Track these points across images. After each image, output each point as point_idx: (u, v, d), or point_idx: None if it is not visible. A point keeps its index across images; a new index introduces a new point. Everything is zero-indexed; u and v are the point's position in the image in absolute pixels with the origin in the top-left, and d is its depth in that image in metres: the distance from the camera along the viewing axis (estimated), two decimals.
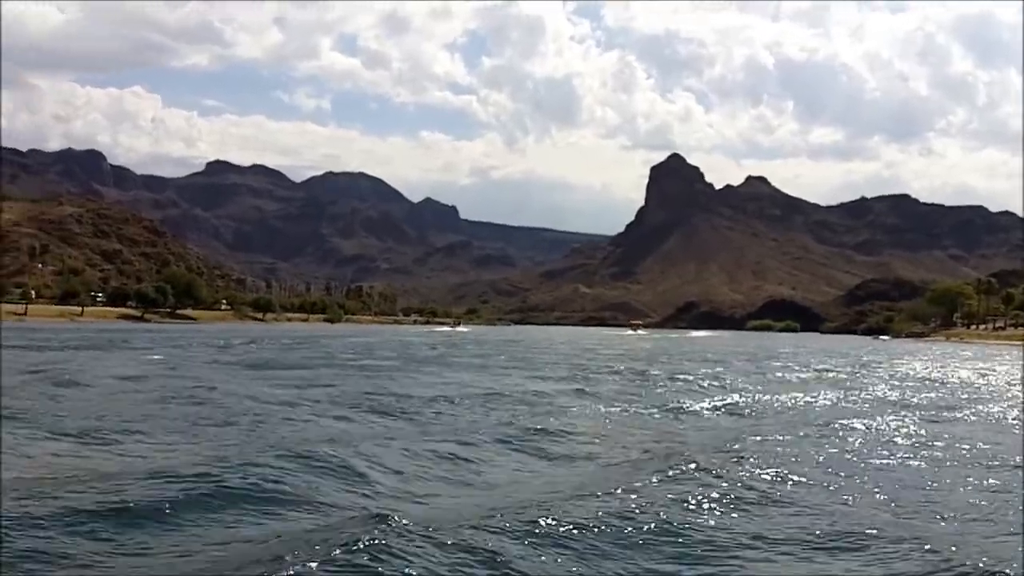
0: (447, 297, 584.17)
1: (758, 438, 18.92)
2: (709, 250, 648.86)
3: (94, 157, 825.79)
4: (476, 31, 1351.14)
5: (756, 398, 29.80)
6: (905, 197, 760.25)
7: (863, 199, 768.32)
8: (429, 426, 20.44)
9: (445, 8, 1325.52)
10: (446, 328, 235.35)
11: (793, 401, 28.92)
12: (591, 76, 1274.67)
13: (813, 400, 29.66)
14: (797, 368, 54.41)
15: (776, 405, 27.57)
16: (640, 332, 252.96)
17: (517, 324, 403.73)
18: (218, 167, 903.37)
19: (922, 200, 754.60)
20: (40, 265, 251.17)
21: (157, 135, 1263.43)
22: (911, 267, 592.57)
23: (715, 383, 36.57)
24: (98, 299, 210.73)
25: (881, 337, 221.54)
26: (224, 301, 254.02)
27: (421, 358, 57.22)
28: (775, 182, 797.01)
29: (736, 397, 29.83)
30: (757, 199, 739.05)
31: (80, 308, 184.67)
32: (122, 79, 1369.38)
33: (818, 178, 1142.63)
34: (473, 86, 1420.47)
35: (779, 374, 46.87)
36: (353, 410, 23.31)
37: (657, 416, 23.63)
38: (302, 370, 41.40)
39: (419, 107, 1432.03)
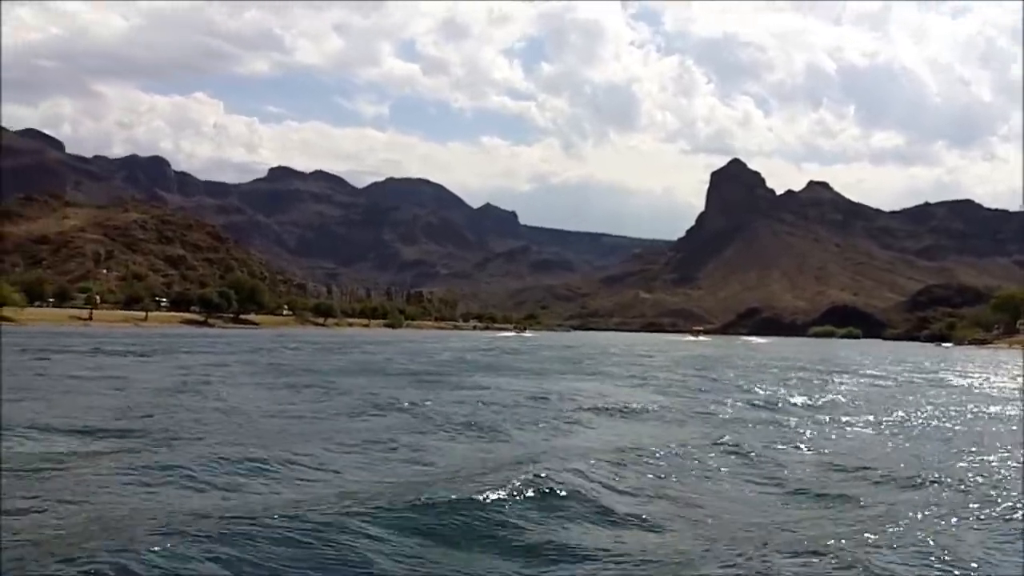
0: (506, 302, 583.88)
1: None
2: (770, 256, 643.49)
3: (158, 163, 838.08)
4: (535, 36, 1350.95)
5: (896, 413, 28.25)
6: (968, 203, 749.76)
7: (926, 204, 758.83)
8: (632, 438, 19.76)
9: (503, 13, 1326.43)
10: (511, 333, 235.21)
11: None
12: (650, 81, 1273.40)
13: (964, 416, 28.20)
14: (893, 377, 53.51)
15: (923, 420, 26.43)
16: (701, 338, 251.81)
17: (577, 330, 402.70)
18: (280, 173, 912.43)
19: (985, 206, 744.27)
20: (105, 271, 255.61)
21: (219, 141, 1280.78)
22: (975, 273, 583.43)
23: (832, 394, 36.04)
24: (162, 304, 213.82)
25: (943, 344, 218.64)
26: (286, 306, 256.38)
27: (525, 367, 55.97)
28: (837, 187, 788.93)
29: (877, 410, 28.88)
30: (819, 204, 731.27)
31: (144, 313, 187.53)
32: (185, 86, 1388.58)
33: (880, 183, 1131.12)
34: (532, 91, 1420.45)
35: (877, 382, 46.71)
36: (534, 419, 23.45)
37: (814, 431, 22.92)
38: (424, 375, 42.00)
39: (478, 112, 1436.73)
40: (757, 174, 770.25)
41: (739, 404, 29.89)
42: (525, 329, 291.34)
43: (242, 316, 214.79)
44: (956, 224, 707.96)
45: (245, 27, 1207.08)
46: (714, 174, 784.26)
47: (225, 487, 13.06)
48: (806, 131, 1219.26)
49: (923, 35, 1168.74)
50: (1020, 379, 54.72)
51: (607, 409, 26.51)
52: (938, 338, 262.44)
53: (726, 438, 19.94)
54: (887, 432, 23.01)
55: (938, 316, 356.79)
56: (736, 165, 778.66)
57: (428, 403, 26.41)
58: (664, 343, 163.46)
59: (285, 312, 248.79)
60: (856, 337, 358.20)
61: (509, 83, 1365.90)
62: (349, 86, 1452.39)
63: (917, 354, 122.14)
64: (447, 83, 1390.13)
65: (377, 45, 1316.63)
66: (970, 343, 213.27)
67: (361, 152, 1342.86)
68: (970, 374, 59.63)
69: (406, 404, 25.92)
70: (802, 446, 19.56)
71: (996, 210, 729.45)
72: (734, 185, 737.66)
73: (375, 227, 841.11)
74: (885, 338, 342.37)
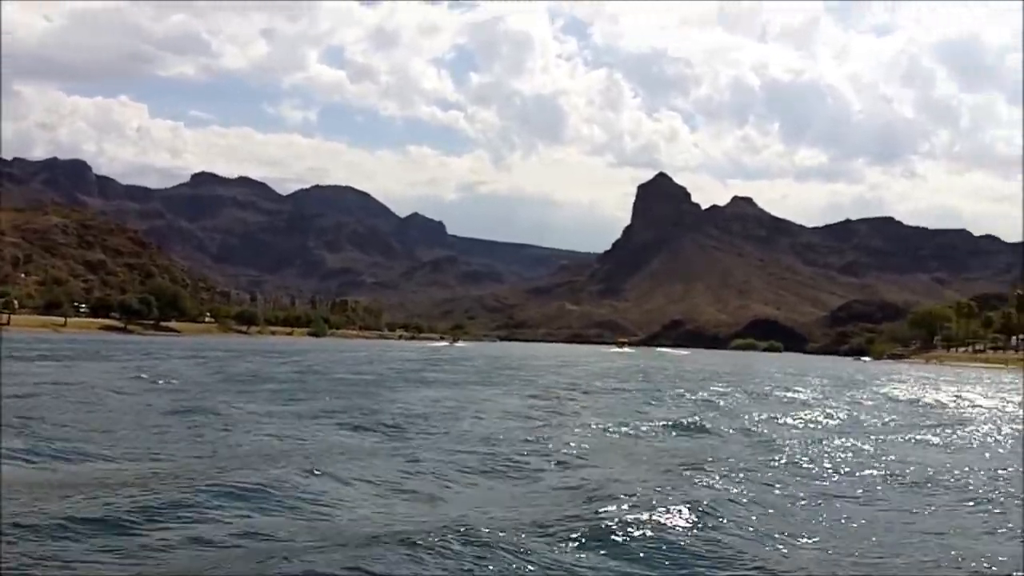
0: (433, 312, 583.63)
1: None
2: (695, 269, 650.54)
3: (79, 167, 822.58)
4: (464, 47, 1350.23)
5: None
6: (889, 220, 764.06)
7: (848, 221, 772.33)
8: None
9: (433, 24, 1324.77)
10: (444, 344, 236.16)
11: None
12: (578, 94, 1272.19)
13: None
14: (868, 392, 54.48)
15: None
16: (626, 349, 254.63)
17: (503, 340, 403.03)
18: (204, 178, 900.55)
19: (906, 223, 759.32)
20: (23, 275, 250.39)
21: (143, 145, 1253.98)
22: (895, 289, 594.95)
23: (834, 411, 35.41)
24: (81, 310, 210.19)
25: (862, 359, 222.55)
26: (208, 314, 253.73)
27: (481, 378, 55.51)
28: (761, 203, 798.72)
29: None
30: (743, 219, 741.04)
31: (63, 319, 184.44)
32: (108, 88, 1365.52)
33: (804, 199, 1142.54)
34: (461, 102, 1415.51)
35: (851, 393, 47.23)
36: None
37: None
38: (394, 387, 42.34)
39: (406, 121, 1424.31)
40: (683, 188, 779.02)
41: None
42: (457, 339, 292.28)
43: (163, 323, 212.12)
44: (877, 241, 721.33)
45: (171, 30, 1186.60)
46: (640, 187, 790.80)
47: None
48: (731, 147, 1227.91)
49: (847, 53, 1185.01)
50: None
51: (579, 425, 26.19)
52: (857, 352, 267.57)
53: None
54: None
55: (857, 331, 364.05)
56: (662, 179, 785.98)
57: (432, 425, 24.89)
58: (591, 354, 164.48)
59: (207, 320, 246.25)
60: (777, 350, 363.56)
61: (439, 93, 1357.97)
62: (275, 92, 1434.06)
63: (850, 368, 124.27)
64: (376, 91, 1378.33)
65: (304, 51, 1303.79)
66: (888, 357, 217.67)
67: (287, 158, 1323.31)
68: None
69: (400, 420, 25.23)
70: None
71: (917, 227, 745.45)
72: (660, 199, 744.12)
73: (300, 234, 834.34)
74: (806, 352, 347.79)
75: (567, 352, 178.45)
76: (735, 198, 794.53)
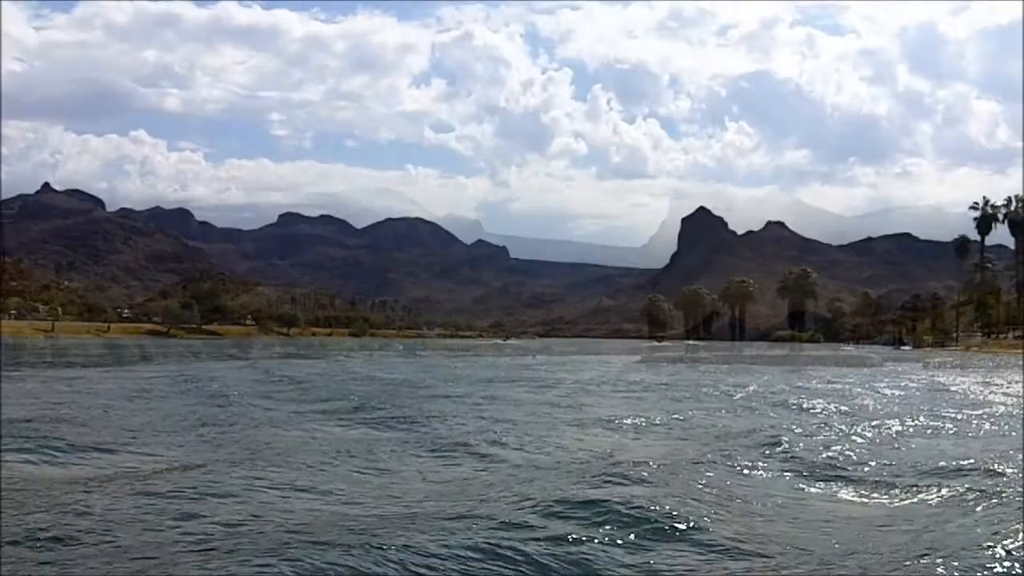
0: (472, 309, 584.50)
1: None
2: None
3: (183, 214, 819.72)
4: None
5: None
6: (908, 235, 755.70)
7: (869, 239, 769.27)
8: None
9: (407, 44, 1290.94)
10: (498, 340, 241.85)
11: None
12: (558, 107, 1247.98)
13: None
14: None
15: None
16: (665, 343, 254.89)
17: (542, 337, 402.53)
18: (289, 218, 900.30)
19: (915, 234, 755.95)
20: (67, 281, 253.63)
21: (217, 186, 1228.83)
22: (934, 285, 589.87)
23: None
24: (124, 315, 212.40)
25: (903, 347, 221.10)
26: (249, 316, 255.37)
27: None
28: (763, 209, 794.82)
29: None
30: (776, 243, 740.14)
31: (107, 324, 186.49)
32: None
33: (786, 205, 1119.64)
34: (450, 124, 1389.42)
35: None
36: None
37: None
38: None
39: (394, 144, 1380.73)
40: (720, 219, 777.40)
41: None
42: (509, 337, 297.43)
43: (204, 327, 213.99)
44: (896, 255, 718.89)
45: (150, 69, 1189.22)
46: (684, 220, 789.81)
47: None
48: (718, 153, 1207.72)
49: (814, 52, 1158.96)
50: None
51: None
52: (897, 341, 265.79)
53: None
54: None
55: (897, 319, 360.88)
56: (703, 212, 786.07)
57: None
58: (638, 349, 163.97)
59: (248, 322, 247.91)
60: (818, 341, 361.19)
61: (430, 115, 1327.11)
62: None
63: (908, 357, 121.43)
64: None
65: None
66: (930, 346, 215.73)
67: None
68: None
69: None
70: None
71: (929, 241, 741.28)
72: (701, 230, 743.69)
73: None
74: (845, 341, 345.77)
75: (621, 347, 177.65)
76: (768, 223, 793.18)
